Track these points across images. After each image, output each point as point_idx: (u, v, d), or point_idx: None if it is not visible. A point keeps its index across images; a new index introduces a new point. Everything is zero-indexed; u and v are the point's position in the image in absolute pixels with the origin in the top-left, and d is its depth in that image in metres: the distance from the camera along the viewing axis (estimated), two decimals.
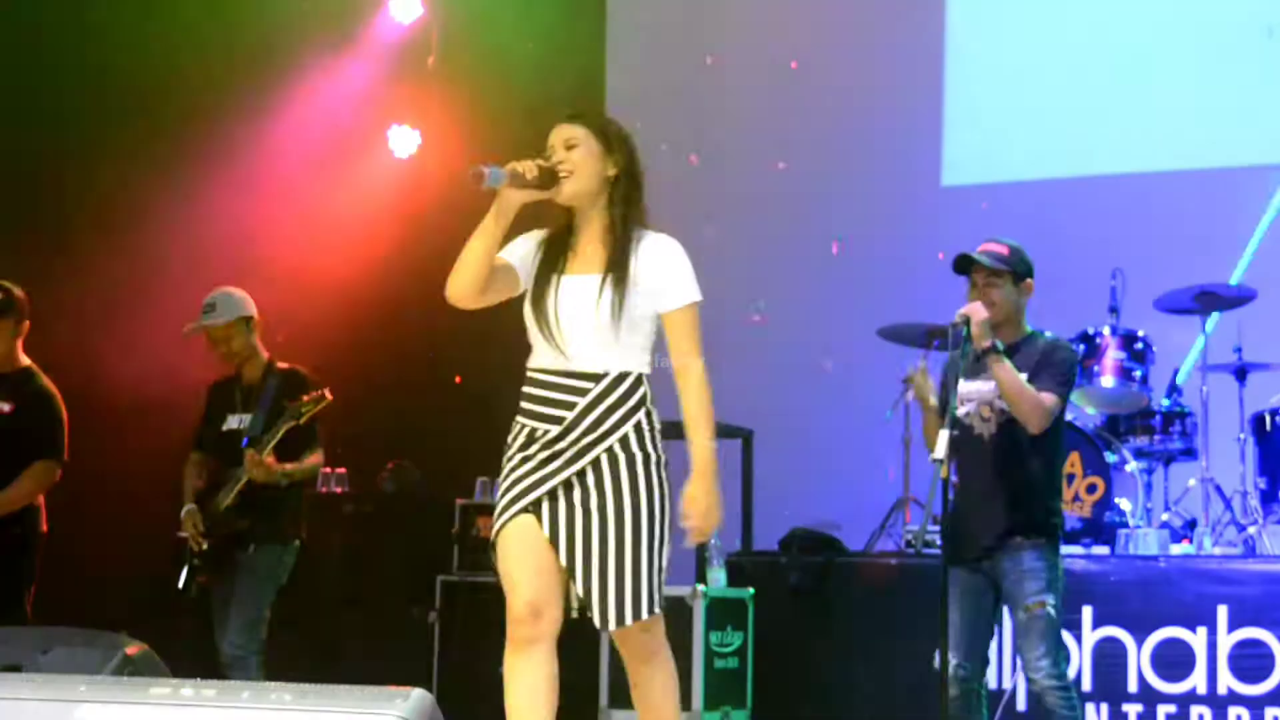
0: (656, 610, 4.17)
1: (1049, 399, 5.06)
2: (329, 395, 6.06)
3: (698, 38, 9.63)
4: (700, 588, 6.82)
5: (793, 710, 6.95)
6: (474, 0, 9.04)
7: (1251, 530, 6.98)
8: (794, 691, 6.99)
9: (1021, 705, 6.50)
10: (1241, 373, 7.33)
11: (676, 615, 6.74)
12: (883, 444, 8.01)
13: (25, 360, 6.35)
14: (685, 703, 6.67)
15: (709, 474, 4.17)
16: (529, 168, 4.07)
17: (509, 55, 8.73)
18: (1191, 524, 7.17)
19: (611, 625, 4.09)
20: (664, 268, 4.18)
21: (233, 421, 6.30)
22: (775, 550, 7.36)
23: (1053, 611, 5.04)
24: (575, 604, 4.16)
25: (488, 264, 4.11)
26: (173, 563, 6.28)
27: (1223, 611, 6.35)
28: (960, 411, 5.15)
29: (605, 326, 4.11)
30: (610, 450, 4.11)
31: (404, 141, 8.84)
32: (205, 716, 2.78)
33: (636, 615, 4.12)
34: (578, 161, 4.16)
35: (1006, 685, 6.40)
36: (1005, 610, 5.33)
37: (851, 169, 9.12)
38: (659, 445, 4.19)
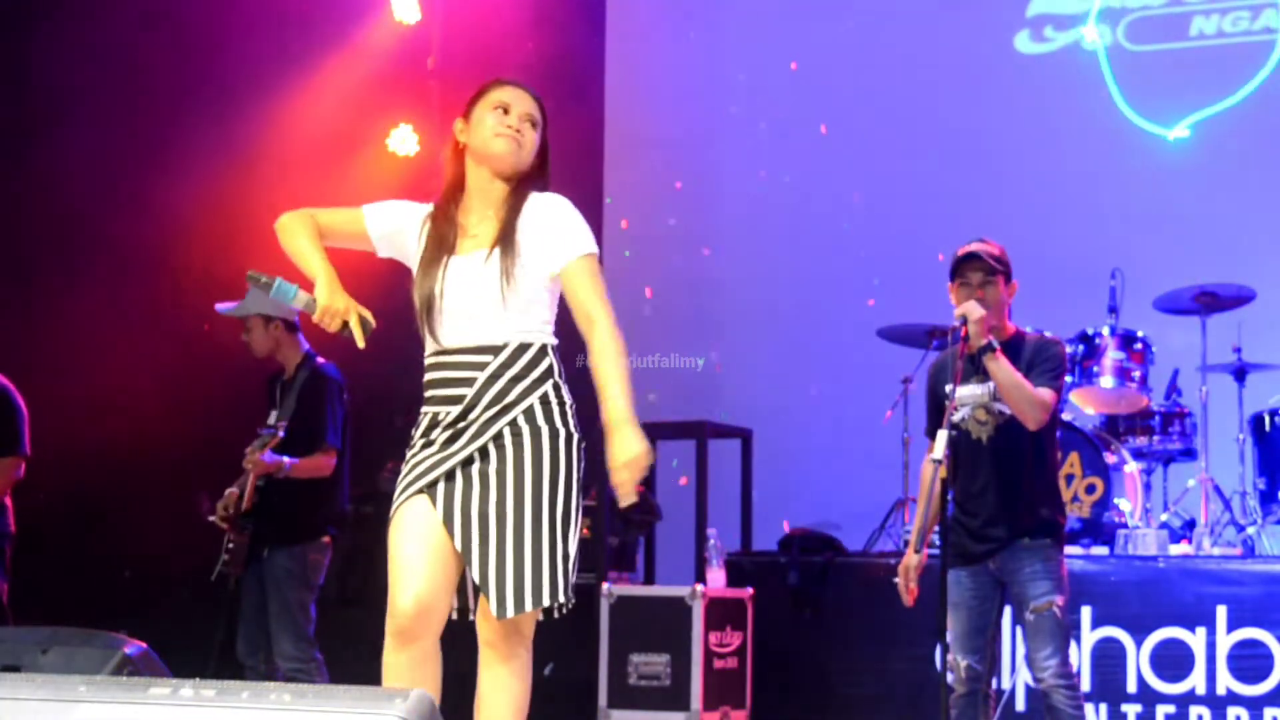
0: (560, 599, 3.75)
1: (1046, 394, 5.07)
2: (281, 432, 6.07)
3: (698, 38, 9.64)
4: (700, 588, 6.82)
5: (792, 710, 6.96)
6: (474, 0, 9.04)
7: (1251, 531, 6.99)
8: (793, 691, 6.99)
9: (1021, 705, 6.50)
10: (1241, 373, 7.33)
11: (676, 615, 6.76)
12: (883, 444, 8.01)
13: None
14: (684, 703, 6.69)
15: (626, 423, 3.72)
16: (333, 318, 3.83)
17: (509, 55, 8.72)
18: (1191, 524, 7.18)
19: (510, 611, 3.70)
20: (546, 225, 3.89)
21: (272, 418, 6.33)
22: (775, 550, 7.37)
23: (1059, 611, 5.05)
24: (468, 601, 3.88)
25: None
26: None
27: (1222, 612, 6.36)
28: (956, 417, 5.17)
29: (494, 300, 3.83)
30: (514, 423, 3.79)
31: (404, 141, 8.84)
32: (205, 716, 2.77)
33: (536, 602, 3.72)
34: (529, 144, 3.96)
35: (1006, 685, 6.40)
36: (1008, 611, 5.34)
37: (851, 169, 9.13)
38: (572, 422, 3.85)
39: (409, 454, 3.88)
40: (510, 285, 3.83)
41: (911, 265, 8.51)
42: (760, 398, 8.73)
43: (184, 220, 8.18)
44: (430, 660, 3.80)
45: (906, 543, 7.28)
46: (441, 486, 3.80)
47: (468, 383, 3.83)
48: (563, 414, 3.85)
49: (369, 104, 8.81)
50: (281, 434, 6.08)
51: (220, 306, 6.42)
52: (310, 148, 8.53)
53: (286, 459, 6.13)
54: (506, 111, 3.98)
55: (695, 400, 8.41)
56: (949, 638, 5.11)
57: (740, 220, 9.33)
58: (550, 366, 3.87)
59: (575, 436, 3.86)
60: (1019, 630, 6.15)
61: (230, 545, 6.18)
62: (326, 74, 8.65)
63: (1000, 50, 9.05)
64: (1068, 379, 7.11)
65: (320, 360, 6.41)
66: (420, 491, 3.81)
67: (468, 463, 3.79)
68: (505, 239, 3.86)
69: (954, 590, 5.16)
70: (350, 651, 6.88)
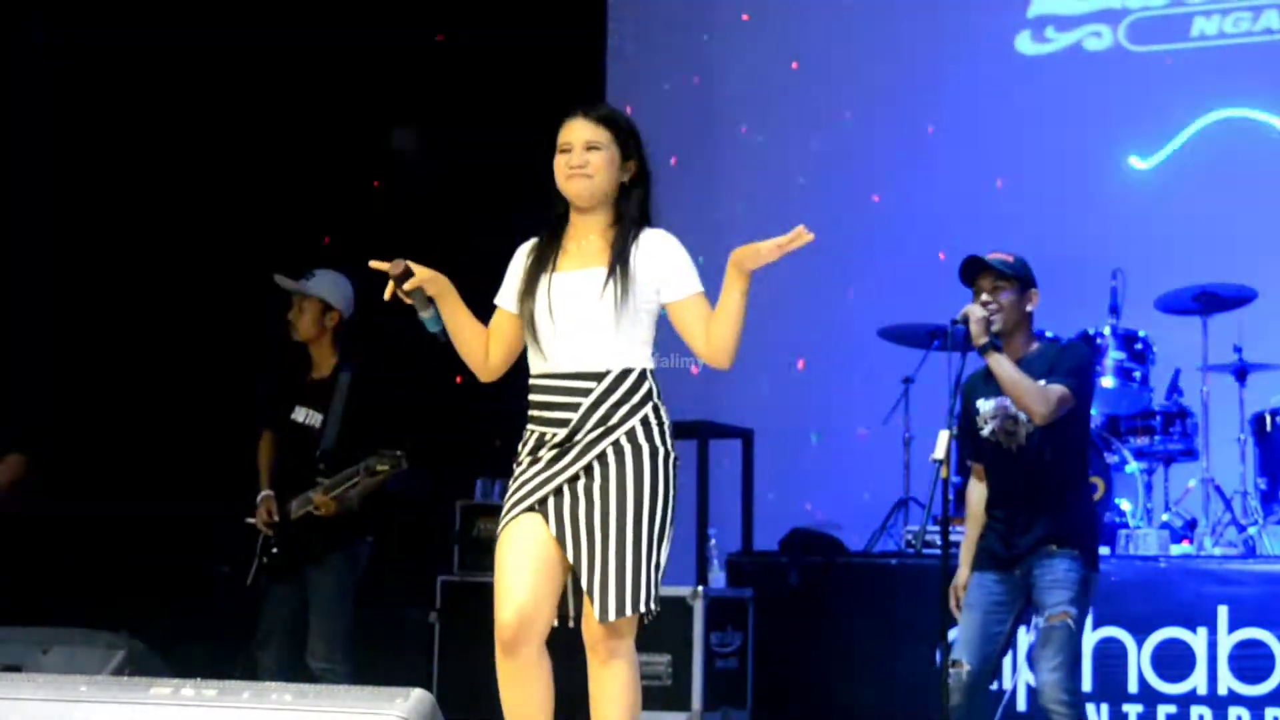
0: (650, 607, 4.02)
1: (1055, 389, 5.05)
2: (404, 463, 5.86)
3: (698, 38, 9.63)
4: (700, 588, 6.82)
5: (792, 710, 6.95)
6: (474, 0, 9.03)
7: (1251, 531, 6.98)
8: (793, 692, 6.99)
9: (1022, 705, 6.50)
10: (1241, 373, 7.33)
11: (676, 615, 6.76)
12: (883, 444, 8.01)
13: None
14: (685, 703, 6.68)
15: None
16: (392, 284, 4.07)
17: (509, 54, 8.72)
18: (1192, 524, 7.18)
19: (611, 616, 3.96)
20: (665, 258, 4.13)
21: (299, 414, 6.18)
22: (775, 550, 7.36)
23: (1073, 624, 5.00)
24: (568, 609, 4.11)
25: (476, 343, 4.18)
26: (244, 551, 6.19)
27: (1223, 612, 6.35)
28: (985, 432, 5.18)
29: (606, 320, 4.06)
30: (617, 443, 4.03)
31: (406, 140, 8.84)
32: (205, 716, 2.78)
33: (635, 608, 3.98)
34: (597, 166, 4.12)
35: (1006, 686, 6.39)
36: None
37: (852, 169, 9.12)
38: (669, 441, 4.10)
39: (516, 470, 4.12)
40: (624, 304, 4.06)
41: (912, 265, 8.50)
42: (760, 398, 8.72)
43: (182, 221, 8.18)
44: (535, 665, 4.05)
45: (908, 543, 7.30)
46: (552, 502, 4.04)
47: (573, 407, 4.06)
48: (662, 434, 4.09)
49: (369, 104, 8.80)
50: (404, 464, 5.85)
51: (282, 280, 6.26)
52: (313, 146, 8.52)
53: (354, 494, 6.02)
54: (569, 150, 4.13)
55: (695, 400, 8.40)
56: (955, 638, 5.10)
57: (740, 219, 9.31)
58: (650, 390, 4.12)
59: (673, 455, 4.11)
60: (1022, 631, 6.17)
61: (274, 550, 6.10)
62: (327, 72, 8.64)
63: (1001, 51, 9.04)
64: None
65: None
66: (529, 509, 4.05)
67: (574, 479, 4.03)
68: (620, 260, 4.08)
69: (974, 592, 5.15)
70: (361, 654, 6.91)
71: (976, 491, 5.32)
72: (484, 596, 6.91)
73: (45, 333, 7.73)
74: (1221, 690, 6.32)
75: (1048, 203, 8.58)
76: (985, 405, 5.21)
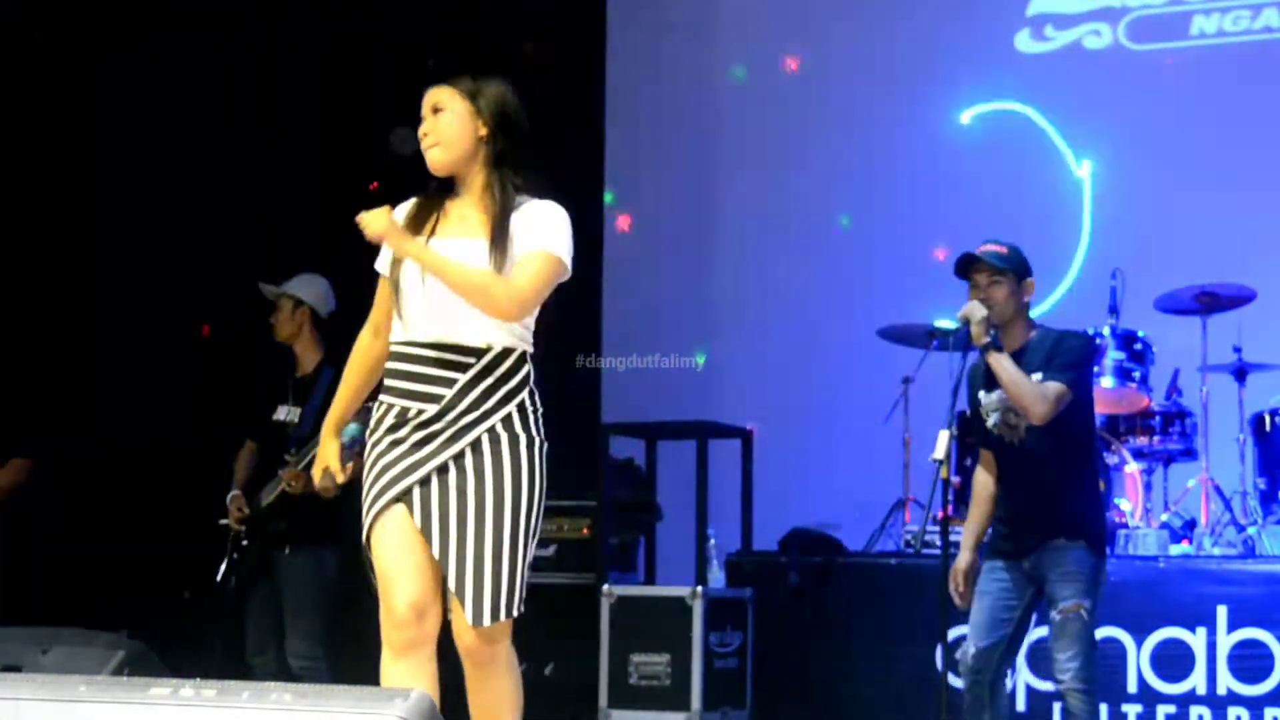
0: (517, 611, 3.76)
1: (1052, 387, 5.06)
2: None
3: (699, 38, 9.63)
4: (699, 588, 6.82)
5: (792, 710, 6.95)
6: (474, 0, 9.04)
7: (1251, 531, 6.98)
8: (793, 691, 6.99)
9: (1022, 705, 6.50)
10: (1241, 373, 7.33)
11: (676, 615, 6.76)
12: (883, 444, 8.01)
13: None
14: (684, 703, 6.68)
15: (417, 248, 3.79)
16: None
17: (507, 56, 8.72)
18: (1191, 524, 7.18)
19: (486, 621, 3.70)
20: (535, 224, 3.83)
21: (281, 412, 6.22)
22: (775, 550, 7.36)
23: (1086, 615, 5.06)
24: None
25: (373, 380, 4.00)
26: (217, 552, 6.21)
27: (1222, 612, 6.36)
28: (989, 423, 5.21)
29: None
30: (492, 430, 3.75)
31: (404, 141, 8.82)
32: (205, 716, 2.77)
33: (509, 612, 3.74)
34: (442, 127, 3.91)
35: (1007, 685, 6.39)
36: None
37: (852, 169, 9.12)
38: (541, 429, 3.83)
39: (374, 449, 3.83)
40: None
41: (912, 265, 8.50)
42: (760, 398, 8.72)
43: (184, 221, 8.19)
44: (427, 666, 3.78)
45: (908, 543, 7.31)
46: (417, 492, 3.76)
47: (446, 383, 3.77)
48: (536, 421, 3.84)
49: (369, 104, 8.80)
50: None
51: (262, 286, 6.38)
52: (313, 148, 8.53)
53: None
54: (423, 119, 3.98)
55: (695, 400, 8.40)
56: (969, 625, 5.15)
57: (740, 219, 9.32)
58: (528, 374, 3.85)
59: (542, 443, 3.84)
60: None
61: (244, 543, 6.11)
62: (327, 73, 8.65)
63: (1000, 49, 9.04)
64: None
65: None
66: (396, 499, 3.77)
67: (443, 469, 3.76)
68: (498, 234, 3.81)
69: (984, 579, 5.22)
70: (351, 652, 6.91)
71: (983, 476, 5.34)
72: None
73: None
74: (1221, 690, 6.33)
75: (1047, 201, 8.59)
76: (987, 398, 5.23)
